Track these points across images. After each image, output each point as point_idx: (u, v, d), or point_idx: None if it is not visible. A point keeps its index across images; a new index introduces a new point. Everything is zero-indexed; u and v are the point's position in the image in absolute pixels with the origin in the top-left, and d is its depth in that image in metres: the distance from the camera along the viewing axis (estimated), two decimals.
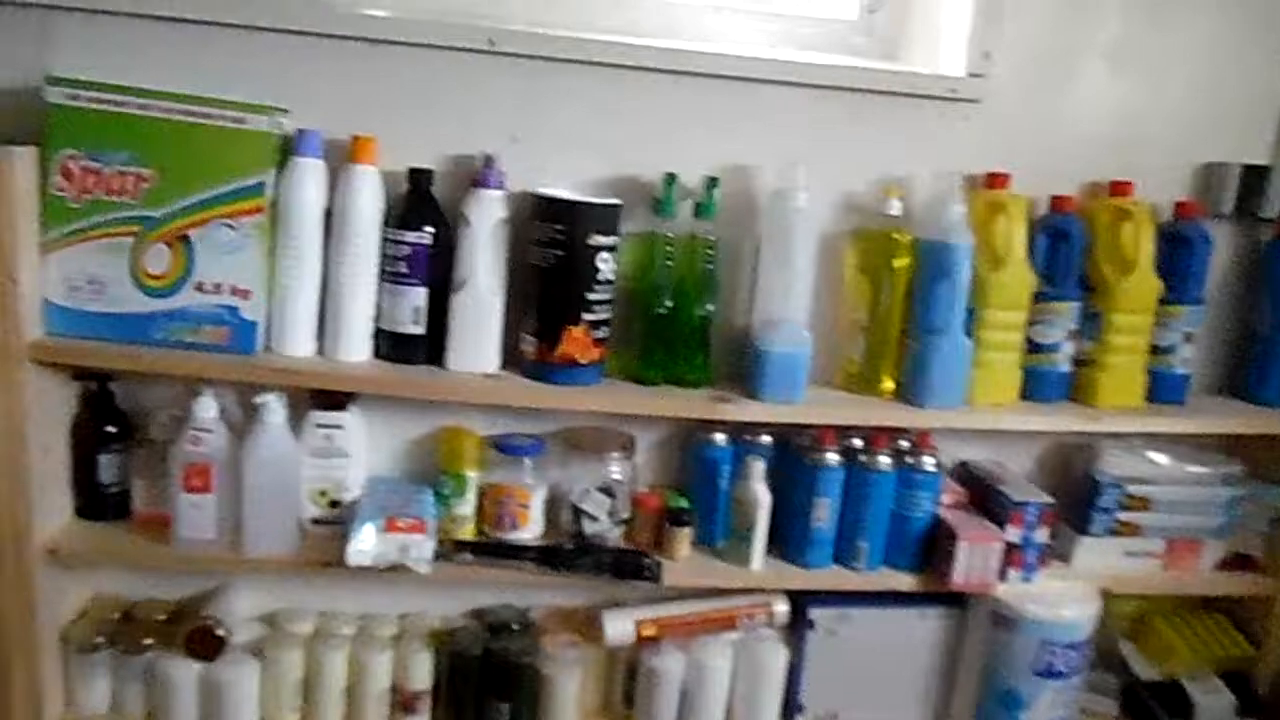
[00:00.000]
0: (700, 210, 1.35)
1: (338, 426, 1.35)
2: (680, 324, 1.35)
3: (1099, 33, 1.46)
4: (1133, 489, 1.47)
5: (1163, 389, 1.47)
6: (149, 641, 1.35)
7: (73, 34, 1.26)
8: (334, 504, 1.36)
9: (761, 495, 1.38)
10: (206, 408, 1.27)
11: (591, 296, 1.30)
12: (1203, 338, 1.50)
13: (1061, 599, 1.44)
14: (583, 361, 1.32)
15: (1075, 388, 1.46)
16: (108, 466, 1.33)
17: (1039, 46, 1.45)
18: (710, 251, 1.36)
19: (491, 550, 1.36)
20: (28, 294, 1.18)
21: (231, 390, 1.34)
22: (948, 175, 1.40)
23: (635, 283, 1.36)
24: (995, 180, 1.41)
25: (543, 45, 1.33)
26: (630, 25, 1.46)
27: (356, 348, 1.31)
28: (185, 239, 1.22)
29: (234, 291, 1.25)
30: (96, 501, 1.34)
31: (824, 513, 1.39)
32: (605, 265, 1.30)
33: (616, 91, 1.37)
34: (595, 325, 1.31)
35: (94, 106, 1.18)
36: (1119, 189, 1.45)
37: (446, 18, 1.34)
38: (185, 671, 1.34)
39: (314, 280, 1.29)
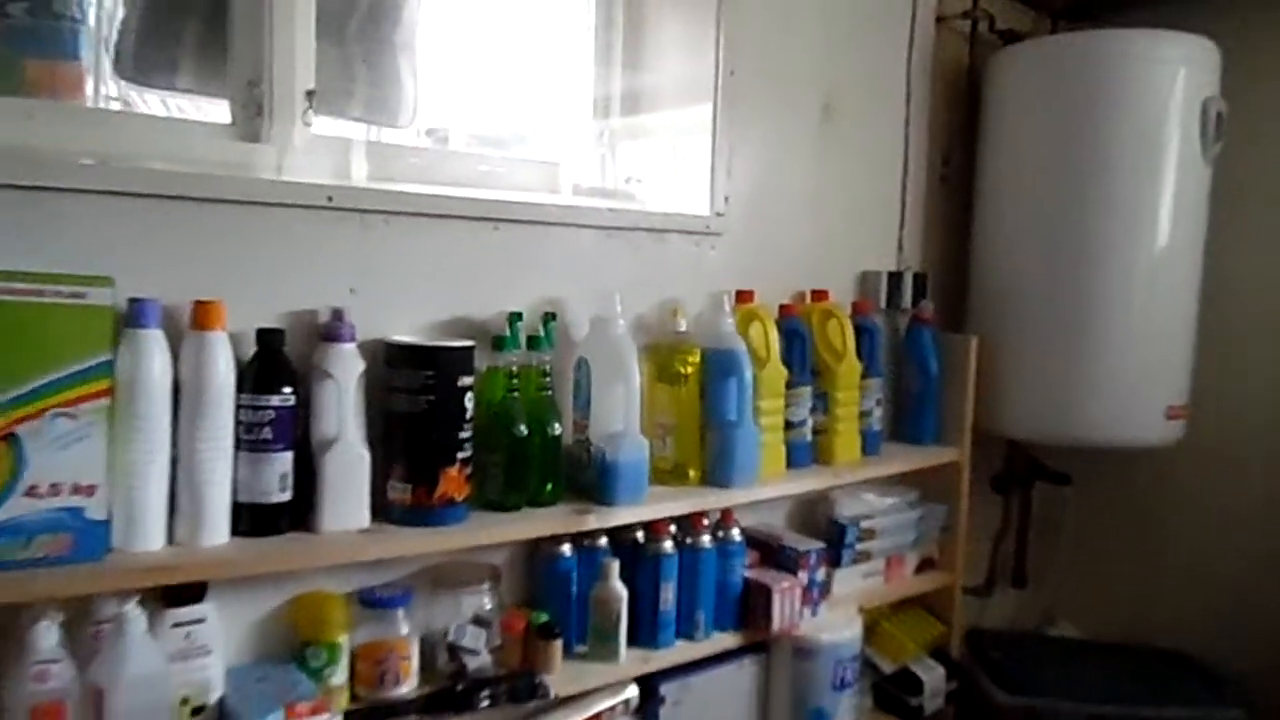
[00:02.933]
0: (536, 342, 1.47)
1: (198, 621, 1.20)
2: (535, 447, 1.45)
3: (791, 182, 1.91)
4: (864, 524, 1.89)
5: (868, 444, 1.91)
6: None
7: None
8: (198, 710, 1.20)
9: (620, 591, 1.52)
10: (49, 635, 1.06)
11: (462, 435, 1.35)
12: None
13: (837, 623, 1.79)
14: (459, 499, 1.35)
15: (817, 452, 1.83)
16: None
17: (756, 193, 1.84)
18: (547, 378, 1.49)
19: (392, 711, 1.30)
20: None
21: (62, 607, 1.13)
22: (715, 294, 1.70)
23: (485, 416, 1.43)
24: (743, 295, 1.75)
25: (377, 200, 1.37)
26: (451, 179, 1.55)
27: (216, 528, 1.19)
28: (13, 437, 1.03)
29: (76, 490, 1.07)
30: None
31: (670, 595, 1.58)
32: (469, 404, 1.36)
33: (441, 240, 1.45)
34: (465, 463, 1.36)
35: None
36: (819, 295, 1.89)
37: (282, 176, 1.31)
38: None
39: (164, 463, 1.15)
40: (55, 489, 1.06)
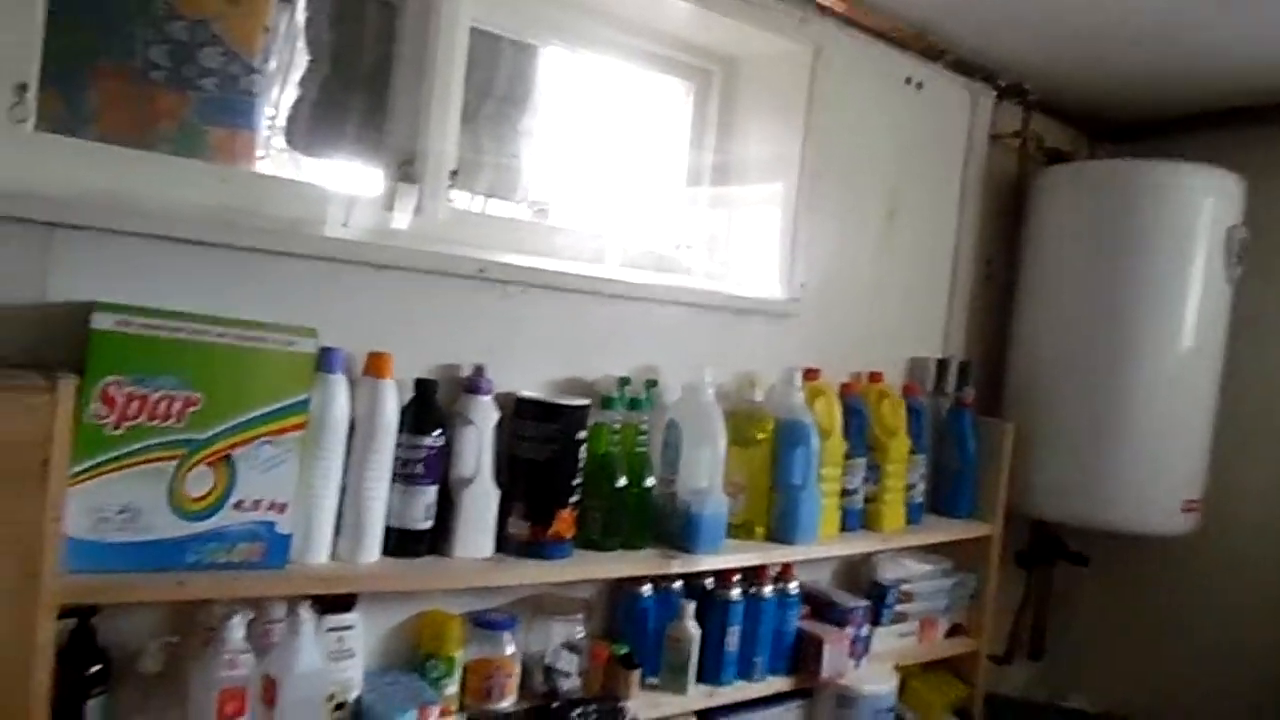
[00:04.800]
0: (636, 403, 1.67)
1: (348, 627, 1.39)
2: (632, 497, 1.64)
3: (857, 273, 2.13)
4: (903, 587, 2.07)
5: (912, 514, 2.10)
6: None
7: (78, 252, 1.22)
8: (339, 706, 1.38)
9: (694, 631, 1.70)
10: (239, 629, 1.25)
11: (574, 482, 1.54)
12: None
13: (877, 676, 1.96)
14: (567, 538, 1.54)
15: (866, 518, 2.02)
16: (94, 713, 1.21)
17: (826, 282, 2.05)
18: (643, 436, 1.68)
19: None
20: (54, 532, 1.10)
21: (244, 606, 1.31)
22: (787, 370, 1.90)
23: (591, 467, 1.63)
24: (810, 373, 1.96)
25: (517, 273, 1.59)
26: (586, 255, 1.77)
27: (371, 548, 1.38)
28: (228, 459, 1.23)
29: (271, 506, 1.27)
30: None
31: (734, 638, 1.75)
32: (582, 455, 1.56)
33: (562, 309, 1.66)
34: (574, 506, 1.55)
35: (142, 332, 1.17)
36: (875, 376, 2.09)
37: (440, 248, 1.53)
38: None
39: (336, 488, 1.35)
40: (256, 504, 1.26)
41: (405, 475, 1.41)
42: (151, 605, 1.28)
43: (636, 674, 1.65)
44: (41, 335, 1.19)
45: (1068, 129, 2.61)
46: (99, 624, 1.24)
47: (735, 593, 1.76)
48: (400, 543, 1.42)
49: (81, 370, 1.14)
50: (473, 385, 1.50)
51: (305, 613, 1.30)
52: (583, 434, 1.55)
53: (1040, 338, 2.37)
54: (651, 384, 1.70)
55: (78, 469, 1.13)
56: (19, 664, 1.06)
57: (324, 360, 1.33)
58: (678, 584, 1.75)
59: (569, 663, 1.60)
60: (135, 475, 1.17)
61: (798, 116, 1.99)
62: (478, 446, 1.47)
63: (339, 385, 1.34)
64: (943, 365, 2.28)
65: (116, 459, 1.16)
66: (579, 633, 1.63)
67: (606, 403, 1.64)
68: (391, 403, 1.39)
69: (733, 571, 1.76)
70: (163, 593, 1.20)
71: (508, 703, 1.54)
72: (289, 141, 1.71)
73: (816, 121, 1.99)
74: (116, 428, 1.16)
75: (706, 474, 1.70)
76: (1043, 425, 2.29)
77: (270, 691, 1.27)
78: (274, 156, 1.71)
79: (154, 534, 1.19)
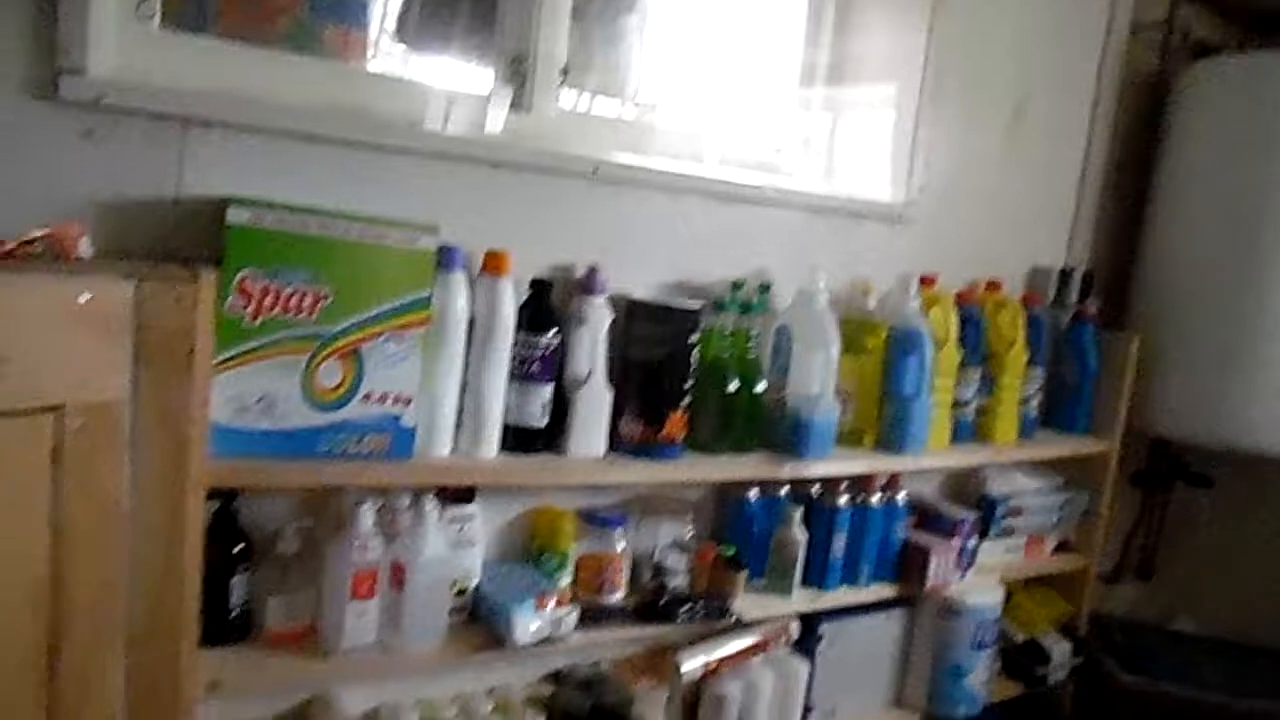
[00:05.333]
0: (749, 308, 1.65)
1: (469, 518, 1.44)
2: (742, 401, 1.63)
3: (978, 177, 2.03)
4: (1012, 502, 2.03)
5: (1025, 428, 2.04)
6: None
7: (211, 148, 1.24)
8: (461, 592, 1.44)
9: (800, 536, 1.70)
10: (369, 517, 1.30)
11: (686, 384, 1.54)
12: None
13: (981, 589, 1.94)
14: (678, 439, 1.55)
15: (978, 430, 1.97)
16: (239, 588, 1.29)
17: (945, 186, 1.96)
18: (753, 341, 1.66)
19: (610, 614, 1.52)
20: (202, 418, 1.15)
21: (372, 495, 1.37)
22: (902, 276, 1.84)
23: (702, 370, 1.62)
24: (927, 280, 1.89)
25: (632, 174, 1.56)
26: (661, 150, 1.73)
27: (490, 443, 1.42)
28: (356, 353, 1.26)
29: (396, 400, 1.30)
30: (223, 626, 1.28)
31: (840, 545, 1.75)
32: (694, 358, 1.55)
33: (677, 210, 1.63)
34: (686, 409, 1.55)
35: (275, 227, 1.19)
36: (992, 286, 2.01)
37: (551, 146, 1.51)
38: None
39: (457, 384, 1.38)
40: (383, 398, 1.29)
41: (522, 374, 1.43)
42: (287, 491, 1.34)
43: (743, 575, 1.67)
44: (177, 229, 1.22)
45: (1218, 19, 2.39)
46: (239, 507, 1.31)
47: (843, 500, 1.75)
48: (518, 439, 1.44)
49: (216, 264, 1.17)
50: (587, 286, 1.49)
51: (429, 503, 1.35)
52: (694, 337, 1.54)
53: (1174, 248, 2.23)
54: (764, 288, 1.67)
55: (219, 359, 1.18)
56: (174, 540, 1.13)
57: (444, 257, 1.34)
58: (785, 489, 1.75)
59: (677, 561, 1.63)
60: (271, 366, 1.21)
61: (922, 10, 1.87)
62: (591, 347, 1.48)
63: (459, 283, 1.35)
64: (1065, 275, 2.17)
65: (254, 350, 1.20)
66: (687, 533, 1.65)
67: (719, 306, 1.62)
68: (509, 301, 1.39)
69: (840, 479, 1.75)
70: (299, 479, 1.26)
71: (618, 597, 1.58)
72: (400, 40, 1.70)
73: (942, 16, 1.87)
74: (254, 320, 1.19)
75: (818, 380, 1.68)
76: (1171, 340, 2.17)
77: (399, 575, 1.33)
78: (385, 55, 1.70)
79: (290, 423, 1.23)
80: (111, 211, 1.19)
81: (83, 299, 0.97)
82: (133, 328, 1.04)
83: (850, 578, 1.79)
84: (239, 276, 1.18)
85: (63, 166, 1.16)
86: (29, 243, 1.01)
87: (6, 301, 0.95)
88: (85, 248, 1.06)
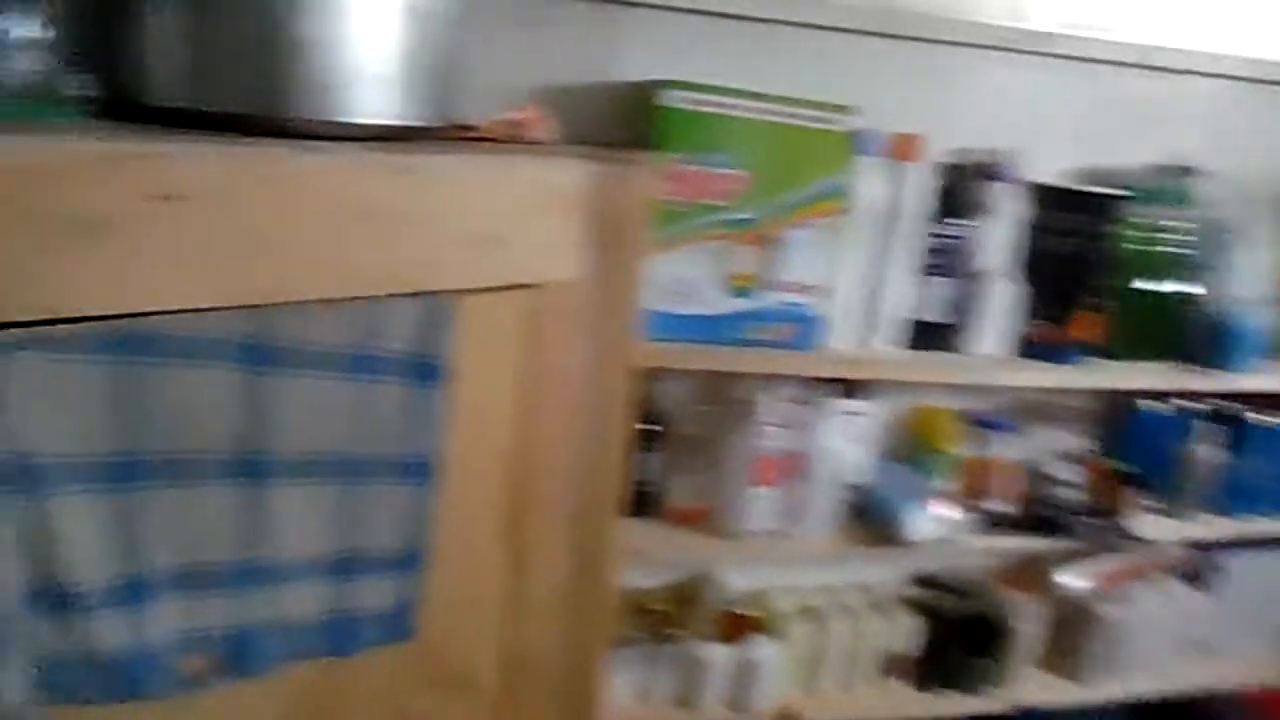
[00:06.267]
0: (1171, 197, 1.45)
1: (862, 414, 1.41)
2: (1161, 303, 1.46)
3: None
4: None
5: None
6: (674, 631, 1.40)
7: (638, 30, 1.24)
8: (853, 487, 1.43)
9: (1215, 457, 1.52)
10: (772, 404, 1.31)
11: (1098, 281, 1.40)
12: None
13: None
14: (1085, 341, 1.41)
15: None
16: (650, 465, 1.35)
17: None
18: (1178, 236, 1.47)
19: (999, 521, 1.46)
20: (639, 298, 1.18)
21: (774, 383, 1.37)
22: None
23: (1118, 266, 1.46)
24: None
25: (1047, 44, 1.40)
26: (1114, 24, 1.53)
27: (891, 336, 1.36)
28: (770, 239, 1.24)
29: (804, 290, 1.28)
30: (636, 500, 1.35)
31: (1256, 470, 1.56)
32: (1109, 252, 1.39)
33: (1088, 86, 1.45)
34: (1097, 309, 1.41)
35: (705, 110, 1.18)
36: None
37: (975, 15, 1.38)
38: (718, 655, 1.40)
39: (862, 275, 1.33)
40: (792, 287, 1.27)
41: (929, 266, 1.35)
42: (692, 375, 1.37)
43: (1138, 493, 1.53)
44: (609, 112, 1.25)
45: None
46: (651, 389, 1.36)
47: (1264, 419, 1.54)
48: (920, 335, 1.38)
49: (646, 147, 1.18)
50: (995, 172, 1.37)
51: (834, 393, 1.33)
52: (1108, 228, 1.38)
53: None
54: (1187, 173, 1.46)
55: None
56: (613, 419, 1.19)
57: (860, 142, 1.28)
58: (1196, 403, 1.57)
59: (1069, 472, 1.51)
60: (693, 251, 1.22)
61: None
62: (999, 239, 1.37)
63: (873, 168, 1.29)
64: None
65: (680, 234, 1.21)
66: (1079, 443, 1.53)
67: (1137, 195, 1.44)
68: (918, 189, 1.31)
69: (1268, 395, 1.54)
70: (717, 362, 1.27)
71: (1003, 504, 1.50)
72: None
73: None
74: (682, 204, 1.20)
75: (1252, 282, 1.46)
76: None
77: (798, 465, 1.33)
78: None
79: (707, 308, 1.25)
80: (550, 95, 1.23)
81: (558, 180, 1.01)
82: (593, 210, 1.08)
83: (1263, 507, 1.59)
84: (671, 160, 1.18)
85: (511, 52, 1.20)
86: (506, 125, 1.06)
87: (502, 183, 1.01)
88: (546, 131, 1.10)
